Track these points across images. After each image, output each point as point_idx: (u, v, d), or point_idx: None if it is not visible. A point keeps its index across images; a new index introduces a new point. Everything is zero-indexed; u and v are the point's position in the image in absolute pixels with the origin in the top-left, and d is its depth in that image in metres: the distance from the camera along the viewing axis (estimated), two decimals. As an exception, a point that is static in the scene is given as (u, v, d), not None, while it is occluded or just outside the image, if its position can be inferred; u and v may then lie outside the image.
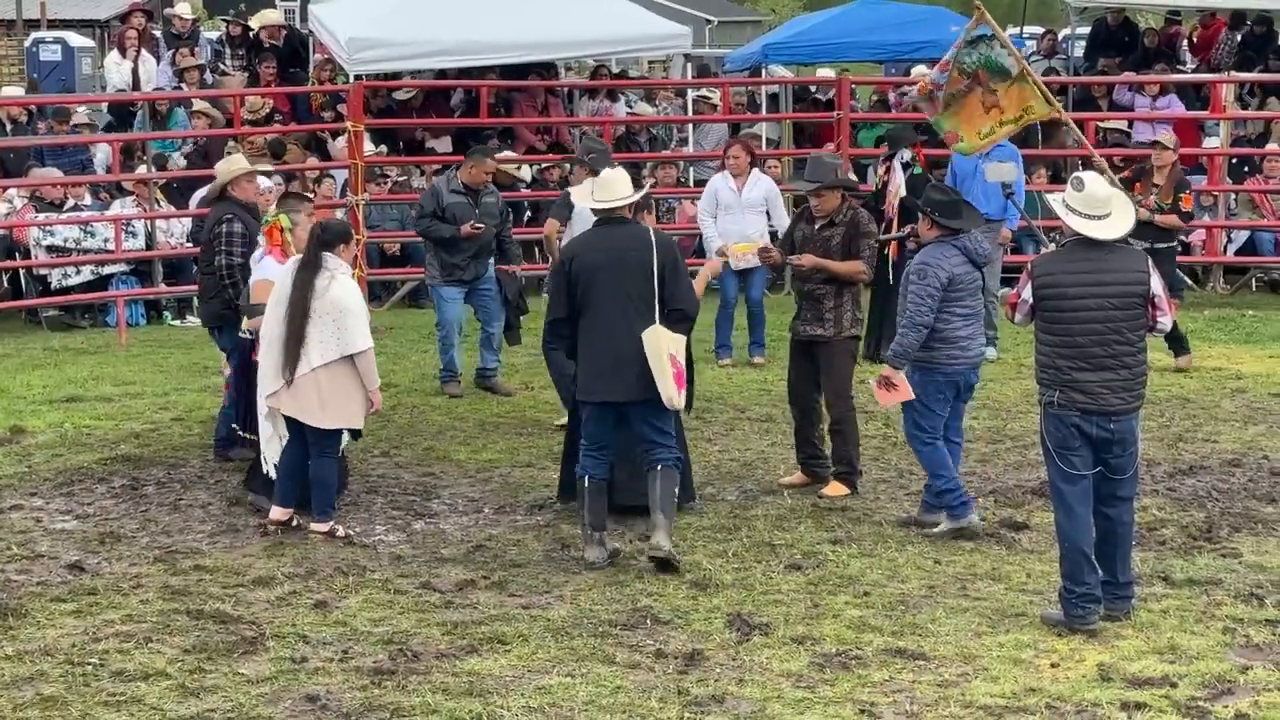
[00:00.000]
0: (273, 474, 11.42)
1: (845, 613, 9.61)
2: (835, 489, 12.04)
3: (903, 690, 8.46)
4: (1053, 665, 8.79)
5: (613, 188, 10.66)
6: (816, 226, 12.11)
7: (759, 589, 10.05)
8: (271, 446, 11.38)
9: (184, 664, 8.86)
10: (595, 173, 14.13)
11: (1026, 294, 9.37)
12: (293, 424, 11.20)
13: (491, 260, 15.53)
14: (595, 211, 10.79)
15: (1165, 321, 9.40)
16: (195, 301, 18.61)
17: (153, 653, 9.04)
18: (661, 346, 10.26)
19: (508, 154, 20.74)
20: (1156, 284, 9.30)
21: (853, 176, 18.11)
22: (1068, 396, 9.20)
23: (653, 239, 10.47)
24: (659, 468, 10.48)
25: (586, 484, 10.56)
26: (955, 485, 11.09)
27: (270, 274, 11.49)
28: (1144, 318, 9.26)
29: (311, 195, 13.18)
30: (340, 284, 10.99)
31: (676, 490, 10.60)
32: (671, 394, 10.30)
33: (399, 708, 8.27)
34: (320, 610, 9.73)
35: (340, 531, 11.19)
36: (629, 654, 8.98)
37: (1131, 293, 9.20)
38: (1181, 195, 16.40)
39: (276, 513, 11.29)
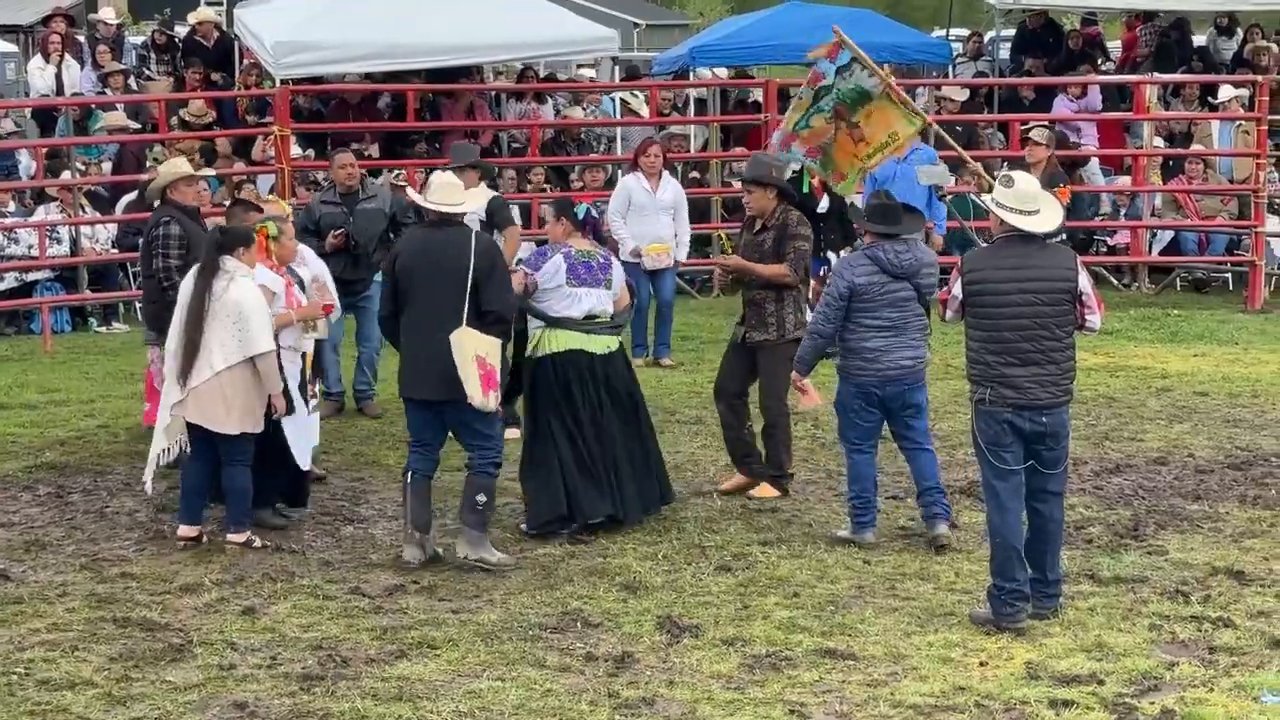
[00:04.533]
0: (148, 488, 11.28)
1: (775, 614, 9.63)
2: (765, 490, 12.05)
3: (832, 690, 8.47)
4: (981, 664, 8.83)
5: (450, 192, 10.63)
6: (754, 230, 12.12)
7: (689, 591, 10.05)
8: (152, 464, 11.16)
9: (110, 672, 8.79)
10: (487, 175, 14.10)
11: (956, 290, 9.41)
12: (197, 440, 11.03)
13: (378, 275, 13.58)
14: (429, 213, 10.71)
15: (1094, 320, 9.43)
16: (139, 305, 18.69)
17: (79, 661, 8.97)
18: (467, 348, 10.27)
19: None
20: (1085, 282, 9.34)
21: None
22: (998, 393, 9.24)
23: (472, 243, 10.45)
24: (469, 473, 10.62)
25: (409, 480, 10.63)
26: (864, 499, 10.99)
27: (266, 281, 11.28)
28: (1072, 314, 9.31)
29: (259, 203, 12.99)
30: (239, 286, 10.85)
31: (481, 499, 10.52)
32: (475, 394, 10.28)
33: (328, 713, 8.23)
34: (248, 617, 9.67)
35: (258, 542, 11.05)
36: (559, 657, 8.97)
37: (1059, 289, 9.24)
38: (1055, 188, 16.37)
39: (184, 530, 11.13)
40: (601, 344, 11.37)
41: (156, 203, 13.10)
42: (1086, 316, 9.38)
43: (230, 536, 11.06)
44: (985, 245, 9.79)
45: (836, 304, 10.81)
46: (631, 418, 11.47)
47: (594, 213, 11.66)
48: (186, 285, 11.02)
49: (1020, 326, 9.20)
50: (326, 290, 12.47)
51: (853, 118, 12.75)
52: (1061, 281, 9.27)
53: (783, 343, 11.96)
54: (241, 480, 11.06)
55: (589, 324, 11.34)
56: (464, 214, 10.74)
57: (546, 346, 11.29)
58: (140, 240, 18.99)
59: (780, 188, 12.18)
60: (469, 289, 10.32)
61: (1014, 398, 9.24)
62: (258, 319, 10.86)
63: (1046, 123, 18.89)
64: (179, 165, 13.36)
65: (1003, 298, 9.22)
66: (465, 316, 10.32)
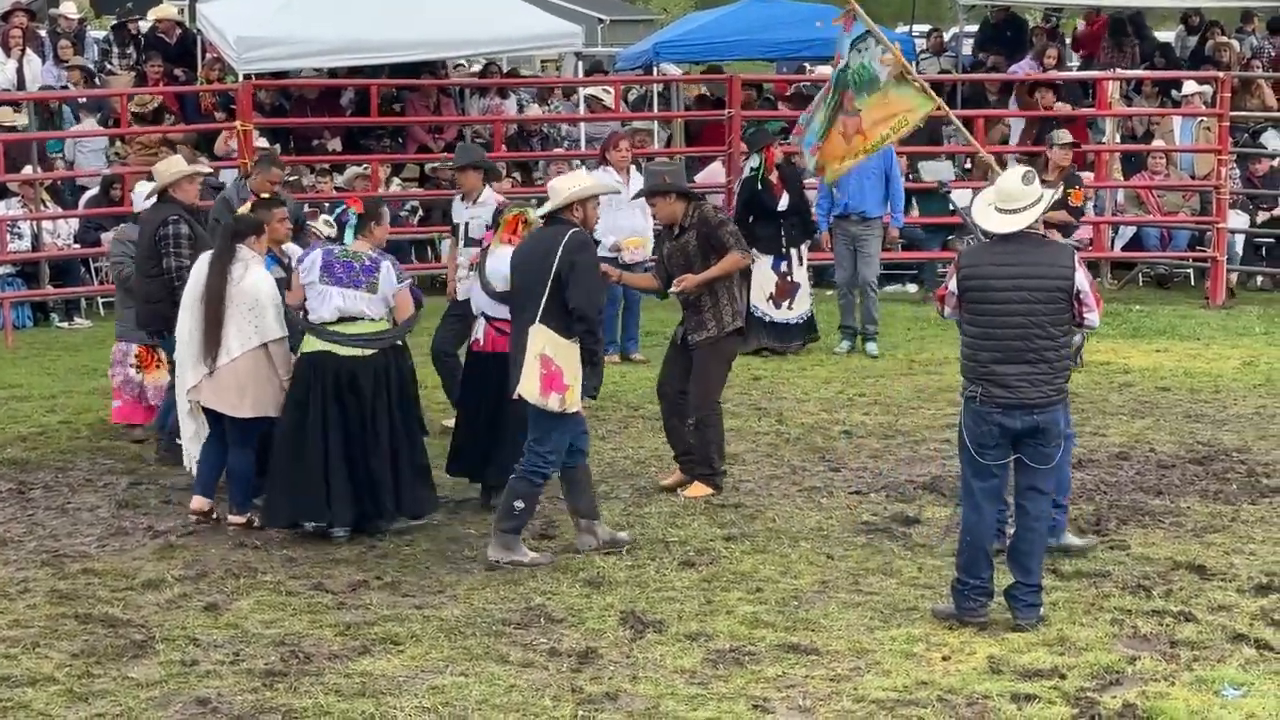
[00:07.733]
0: (194, 469, 11.48)
1: (738, 609, 9.63)
2: (697, 490, 12.02)
3: (796, 685, 8.48)
4: (944, 658, 8.84)
5: (555, 195, 10.61)
6: (675, 235, 12.14)
7: (652, 586, 10.05)
8: (194, 444, 11.41)
9: (72, 668, 8.76)
10: (491, 174, 14.08)
11: (953, 286, 9.35)
12: (212, 417, 11.26)
13: None
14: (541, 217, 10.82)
15: (1093, 318, 9.30)
16: (101, 301, 18.71)
17: (40, 658, 8.93)
18: (536, 344, 10.29)
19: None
20: (1082, 280, 9.25)
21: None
22: (988, 392, 9.14)
23: (560, 242, 10.39)
24: (513, 475, 10.56)
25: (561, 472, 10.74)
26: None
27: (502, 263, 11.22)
28: (1067, 312, 9.19)
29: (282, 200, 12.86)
30: (254, 273, 11.08)
31: (519, 505, 10.44)
32: (530, 390, 10.28)
33: (291, 709, 8.21)
34: (211, 612, 9.65)
35: (258, 522, 11.24)
36: (522, 653, 8.96)
37: (1055, 287, 9.13)
38: (1070, 190, 16.40)
39: (197, 503, 11.33)
40: (347, 352, 10.98)
41: (154, 200, 12.92)
42: (1085, 315, 9.29)
43: (230, 518, 11.28)
44: (983, 241, 9.68)
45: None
46: (371, 427, 11.03)
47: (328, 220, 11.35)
48: (199, 271, 11.19)
49: (1014, 324, 9.11)
50: None
51: (855, 104, 12.59)
52: (1058, 279, 9.16)
53: (722, 337, 12.01)
54: (244, 463, 11.29)
55: (338, 331, 10.93)
56: (551, 212, 10.60)
57: (305, 345, 11.06)
58: (102, 235, 19.11)
59: (678, 190, 12.19)
60: (549, 285, 10.30)
61: (1004, 397, 9.14)
62: (272, 306, 11.09)
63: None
64: (178, 163, 13.24)
65: (997, 294, 9.13)
66: (540, 313, 10.31)
